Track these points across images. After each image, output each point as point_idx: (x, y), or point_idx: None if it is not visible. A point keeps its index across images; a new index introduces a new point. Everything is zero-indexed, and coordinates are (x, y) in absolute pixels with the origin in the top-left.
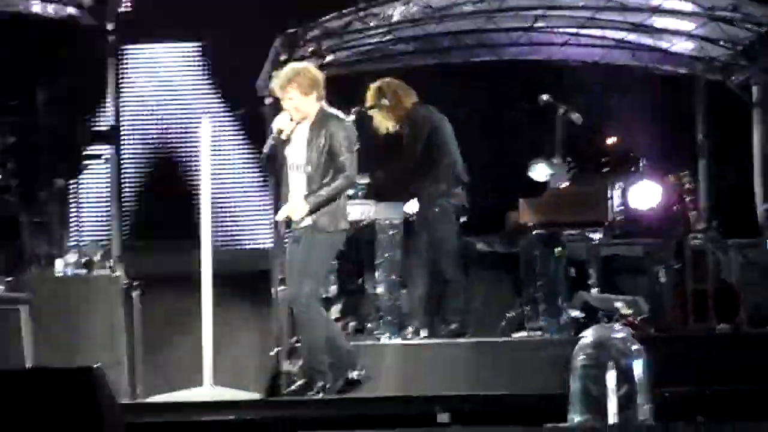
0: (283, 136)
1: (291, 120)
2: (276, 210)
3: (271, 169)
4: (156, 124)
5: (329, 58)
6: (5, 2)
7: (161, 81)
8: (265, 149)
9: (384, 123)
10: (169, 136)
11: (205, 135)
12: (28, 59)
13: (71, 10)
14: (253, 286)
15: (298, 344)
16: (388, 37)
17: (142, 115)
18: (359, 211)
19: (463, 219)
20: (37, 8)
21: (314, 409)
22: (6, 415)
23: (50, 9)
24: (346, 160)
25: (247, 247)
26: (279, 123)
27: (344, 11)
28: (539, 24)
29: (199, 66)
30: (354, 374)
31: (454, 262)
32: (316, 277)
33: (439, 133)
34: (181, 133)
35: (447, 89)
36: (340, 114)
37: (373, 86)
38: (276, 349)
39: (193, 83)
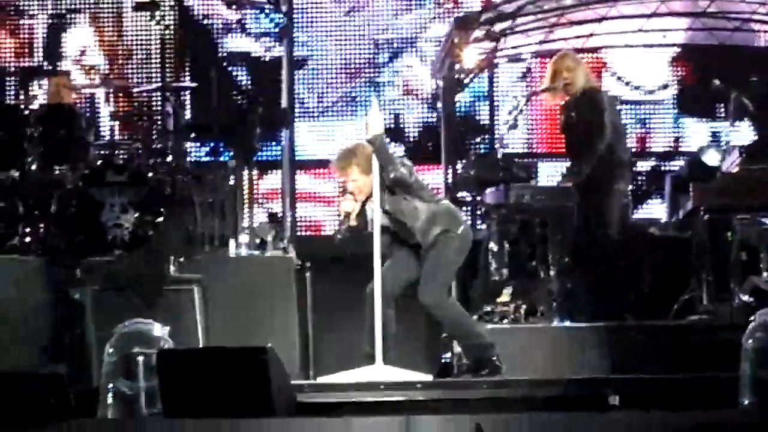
0: (353, 221)
1: (356, 201)
2: None
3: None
4: (326, 106)
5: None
6: None
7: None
8: (340, 233)
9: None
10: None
11: (373, 114)
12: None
13: None
14: None
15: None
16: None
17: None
18: (527, 194)
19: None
20: None
21: (485, 389)
22: (181, 392)
23: None
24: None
25: None
26: (345, 207)
27: None
28: (711, 9)
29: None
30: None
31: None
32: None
33: (614, 115)
34: (350, 113)
35: None
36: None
37: (550, 65)
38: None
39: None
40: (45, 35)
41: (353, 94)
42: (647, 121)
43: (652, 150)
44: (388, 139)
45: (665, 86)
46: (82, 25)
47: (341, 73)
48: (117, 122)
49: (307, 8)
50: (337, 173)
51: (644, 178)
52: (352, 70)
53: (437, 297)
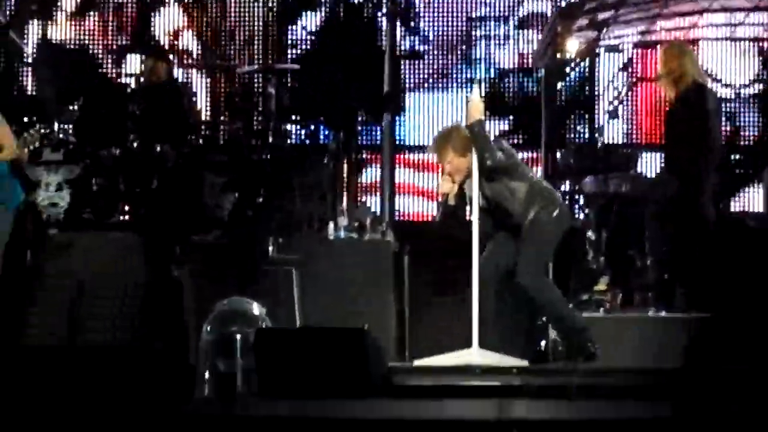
0: (451, 201)
1: (454, 182)
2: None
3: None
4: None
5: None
6: None
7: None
8: (439, 214)
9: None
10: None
11: (474, 100)
12: None
13: None
14: None
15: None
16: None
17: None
18: (626, 184)
19: None
20: None
21: (578, 377)
22: (278, 372)
23: None
24: (494, 161)
25: None
26: (444, 188)
27: None
28: None
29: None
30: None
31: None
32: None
33: (716, 109)
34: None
35: None
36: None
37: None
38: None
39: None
40: (144, 16)
41: (447, 70)
42: (738, 116)
43: (747, 144)
44: (487, 124)
45: (756, 81)
46: (178, 7)
47: (437, 49)
48: (219, 102)
49: None
50: (435, 155)
51: (741, 171)
52: (448, 46)
53: (535, 276)
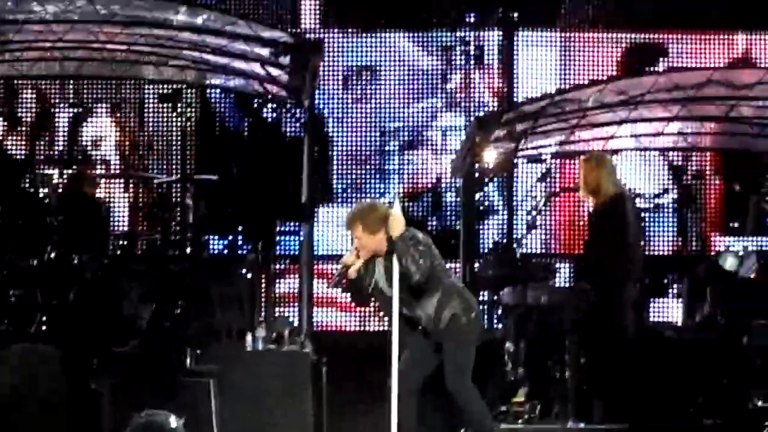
0: (351, 274)
1: (358, 257)
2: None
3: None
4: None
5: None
6: None
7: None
8: (334, 281)
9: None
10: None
11: (396, 212)
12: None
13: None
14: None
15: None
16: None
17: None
18: (544, 294)
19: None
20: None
21: None
22: None
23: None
24: (420, 276)
25: None
26: (348, 260)
27: (539, 96)
28: (733, 114)
29: None
30: None
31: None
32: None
33: (634, 219)
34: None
35: None
36: (407, 232)
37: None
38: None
39: None
40: (66, 125)
41: (361, 182)
42: (653, 226)
43: (667, 254)
44: (411, 233)
45: (665, 191)
46: (103, 116)
47: (351, 161)
48: (137, 213)
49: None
50: (346, 227)
51: (661, 281)
52: (362, 158)
53: (465, 383)
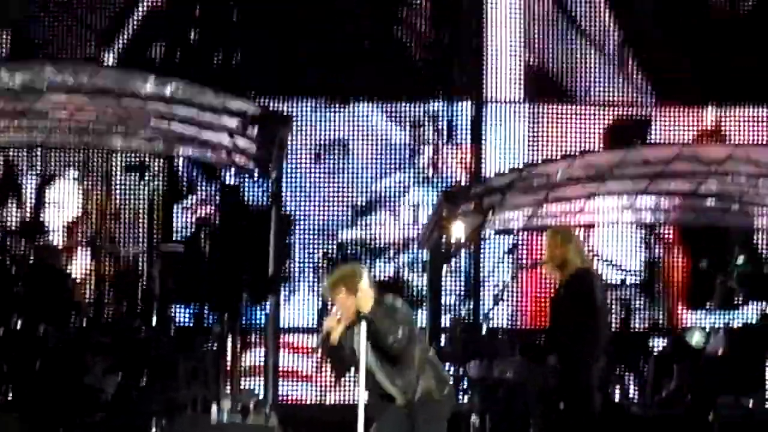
0: (333, 341)
1: (339, 321)
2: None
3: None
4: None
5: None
6: None
7: None
8: (318, 341)
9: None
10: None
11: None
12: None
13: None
14: None
15: None
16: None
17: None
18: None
19: None
20: None
21: None
22: None
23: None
24: (397, 345)
25: None
26: (329, 324)
27: (507, 170)
28: (701, 190)
29: None
30: None
31: None
32: None
33: (600, 295)
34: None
35: None
36: (385, 300)
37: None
38: None
39: None
40: (33, 194)
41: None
42: (629, 301)
43: (633, 330)
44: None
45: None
46: (69, 185)
47: (320, 234)
48: (103, 283)
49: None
50: (328, 290)
51: (627, 357)
52: (331, 232)
53: None
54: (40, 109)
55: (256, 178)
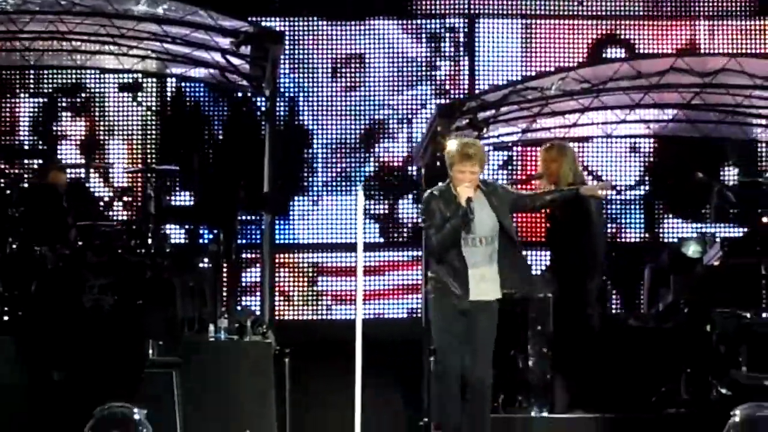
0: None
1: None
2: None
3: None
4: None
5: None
6: None
7: None
8: (455, 222)
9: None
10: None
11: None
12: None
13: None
14: (403, 354)
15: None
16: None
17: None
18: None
19: None
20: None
21: None
22: None
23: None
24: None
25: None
26: (469, 193)
27: (502, 84)
28: (696, 101)
29: None
30: None
31: None
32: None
33: (595, 207)
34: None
35: None
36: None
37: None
38: (425, 420)
39: None
40: (31, 115)
41: (347, 172)
42: (622, 216)
43: (629, 241)
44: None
45: (640, 183)
46: (66, 106)
47: (338, 150)
48: (98, 203)
49: (306, 85)
50: (464, 159)
51: (622, 268)
52: (348, 148)
53: (489, 372)
54: (33, 30)
55: (249, 94)
